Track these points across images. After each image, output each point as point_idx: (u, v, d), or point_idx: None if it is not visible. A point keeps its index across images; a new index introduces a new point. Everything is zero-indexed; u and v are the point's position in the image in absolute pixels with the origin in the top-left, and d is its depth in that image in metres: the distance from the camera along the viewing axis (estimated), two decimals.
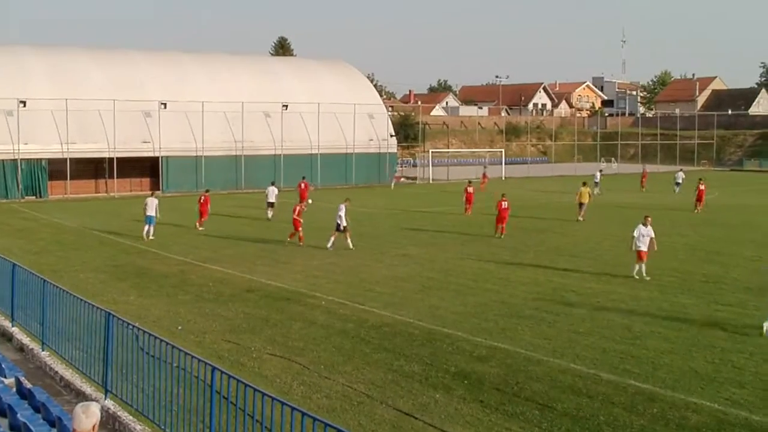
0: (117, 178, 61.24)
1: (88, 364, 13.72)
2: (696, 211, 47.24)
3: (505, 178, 78.42)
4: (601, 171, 65.70)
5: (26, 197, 57.68)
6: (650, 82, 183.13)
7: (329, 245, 31.76)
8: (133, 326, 12.33)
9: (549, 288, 24.19)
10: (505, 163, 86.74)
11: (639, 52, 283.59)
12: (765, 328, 18.39)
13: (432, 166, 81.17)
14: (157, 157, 63.30)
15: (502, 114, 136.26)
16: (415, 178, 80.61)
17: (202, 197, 39.55)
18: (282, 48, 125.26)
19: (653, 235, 25.80)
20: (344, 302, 21.89)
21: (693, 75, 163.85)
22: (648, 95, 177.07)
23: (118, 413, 12.21)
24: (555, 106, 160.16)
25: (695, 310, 21.12)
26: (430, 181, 77.95)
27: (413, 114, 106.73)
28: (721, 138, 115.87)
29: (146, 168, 64.75)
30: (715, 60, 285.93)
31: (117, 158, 60.65)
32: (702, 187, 48.60)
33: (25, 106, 57.00)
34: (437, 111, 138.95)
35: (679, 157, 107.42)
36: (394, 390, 14.51)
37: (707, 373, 15.58)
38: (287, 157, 67.81)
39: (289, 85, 73.28)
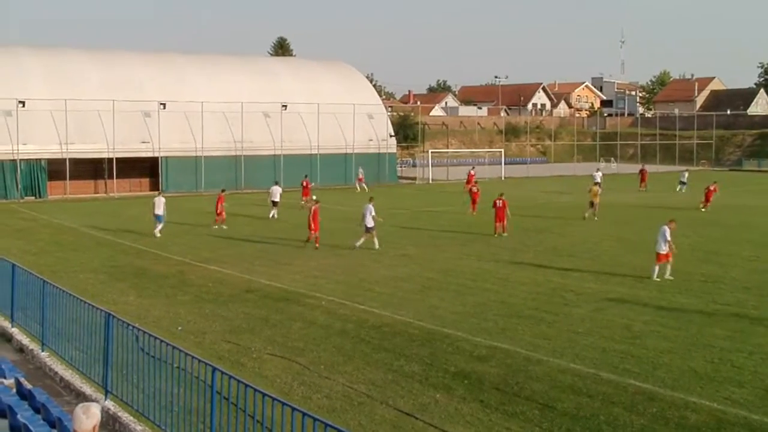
0: (116, 178, 61.27)
1: (88, 364, 13.73)
2: (702, 208, 47.70)
3: (505, 178, 78.39)
4: (598, 170, 65.51)
5: (25, 198, 57.70)
6: (649, 83, 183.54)
7: (358, 244, 31.80)
8: (133, 327, 12.34)
9: (548, 288, 24.19)
10: (505, 164, 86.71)
11: (638, 52, 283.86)
12: None
13: (431, 166, 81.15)
14: (157, 158, 63.34)
15: (502, 114, 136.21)
16: (414, 178, 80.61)
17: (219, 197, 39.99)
18: (281, 48, 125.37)
19: (668, 238, 25.60)
20: (344, 302, 21.89)
21: (692, 75, 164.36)
22: (647, 95, 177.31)
23: (119, 414, 12.22)
24: (554, 106, 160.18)
25: (694, 310, 21.13)
26: (430, 182, 77.97)
27: (412, 114, 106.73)
28: (720, 138, 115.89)
29: (146, 168, 64.80)
30: (713, 60, 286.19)
31: (116, 158, 60.72)
32: (712, 187, 49.26)
33: (24, 106, 57.00)
34: (436, 111, 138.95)
35: (678, 157, 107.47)
36: (394, 390, 14.51)
37: (706, 373, 15.60)
38: (287, 157, 67.87)
39: (288, 85, 73.34)
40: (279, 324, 19.44)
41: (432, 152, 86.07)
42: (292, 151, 68.70)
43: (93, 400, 12.32)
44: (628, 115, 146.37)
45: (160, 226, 36.23)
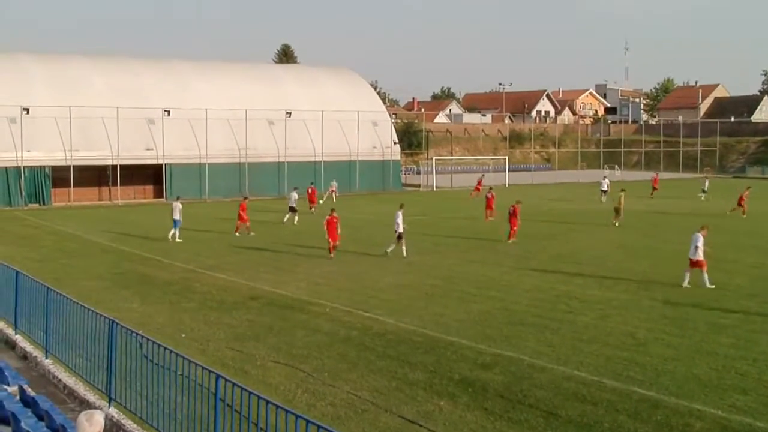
0: (120, 185, 61.33)
1: (92, 371, 13.72)
2: (741, 214, 48.71)
3: (509, 185, 78.36)
4: (605, 177, 65.44)
5: (29, 204, 57.74)
6: (653, 90, 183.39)
7: (388, 250, 31.94)
8: (137, 334, 12.33)
9: (552, 295, 24.16)
10: (509, 170, 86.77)
11: (642, 59, 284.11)
12: None
13: (435, 173, 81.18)
14: (161, 165, 63.38)
15: (506, 121, 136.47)
16: (418, 186, 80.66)
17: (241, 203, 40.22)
18: (285, 55, 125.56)
19: (699, 245, 25.58)
20: (348, 310, 21.87)
21: (696, 82, 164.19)
22: (651, 102, 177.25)
23: (122, 421, 12.21)
24: (558, 113, 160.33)
25: (699, 317, 21.08)
26: (434, 189, 77.98)
27: (417, 121, 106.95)
28: (724, 145, 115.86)
29: (150, 175, 64.83)
30: (717, 67, 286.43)
31: (120, 165, 60.75)
32: (746, 193, 50.07)
33: (28, 113, 57.02)
34: (440, 118, 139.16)
35: (682, 164, 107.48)
36: (398, 397, 14.49)
37: (711, 380, 15.56)
38: (291, 164, 67.93)
39: (292, 92, 73.44)
40: (283, 331, 19.43)
41: (436, 159, 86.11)
42: (296, 158, 68.78)
43: (96, 408, 12.31)
44: (632, 122, 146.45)
45: (174, 231, 37.13)
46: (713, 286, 24.94)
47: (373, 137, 75.19)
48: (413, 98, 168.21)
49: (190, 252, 33.56)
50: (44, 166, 58.73)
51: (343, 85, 78.30)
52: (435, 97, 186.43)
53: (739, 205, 49.64)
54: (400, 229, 31.98)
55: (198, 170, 64.37)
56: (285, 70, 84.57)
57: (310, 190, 53.14)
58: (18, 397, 11.27)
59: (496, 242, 36.15)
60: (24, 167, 57.66)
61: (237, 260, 31.26)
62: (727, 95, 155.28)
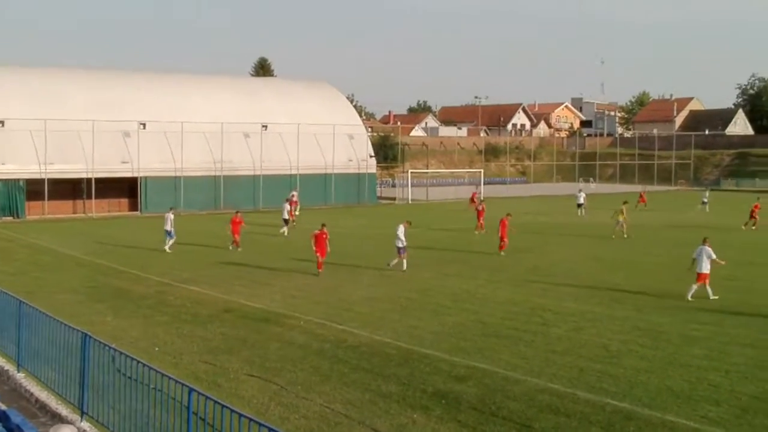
0: (95, 198, 60.91)
1: (65, 385, 13.65)
2: (753, 227, 49.62)
3: (484, 198, 78.49)
4: (581, 191, 65.65)
5: (3, 218, 57.23)
6: (628, 103, 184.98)
7: (391, 264, 32.07)
8: (110, 347, 12.29)
9: (527, 307, 24.27)
10: (484, 183, 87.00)
11: (617, 73, 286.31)
12: None
13: (411, 186, 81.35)
14: (136, 178, 63.08)
15: (482, 134, 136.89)
16: (394, 199, 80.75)
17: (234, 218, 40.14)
18: (262, 68, 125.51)
19: (714, 256, 25.97)
20: (322, 322, 21.86)
21: (671, 96, 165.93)
22: (626, 116, 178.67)
23: None
24: (534, 126, 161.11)
25: (672, 329, 21.24)
26: (409, 201, 78.11)
27: (393, 134, 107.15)
28: (699, 158, 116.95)
29: (125, 188, 64.46)
30: (692, 81, 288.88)
31: (95, 179, 60.38)
32: (757, 205, 50.90)
33: (3, 125, 56.75)
34: (417, 131, 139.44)
35: (657, 176, 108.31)
36: (371, 410, 14.49)
37: (683, 391, 15.68)
38: (266, 177, 67.82)
39: (269, 105, 73.34)
40: (257, 344, 19.39)
41: (412, 172, 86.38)
42: (272, 171, 68.66)
43: (69, 422, 12.27)
44: (608, 135, 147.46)
45: (169, 242, 37.49)
46: (716, 297, 25.55)
47: (349, 150, 75.25)
48: (389, 111, 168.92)
49: (166, 265, 33.43)
50: (18, 179, 58.27)
51: (320, 98, 78.32)
52: (411, 110, 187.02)
53: (752, 217, 50.40)
54: (401, 244, 31.99)
55: (173, 183, 64.09)
56: (262, 84, 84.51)
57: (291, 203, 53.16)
58: None
59: (471, 254, 36.25)
60: None
61: (212, 273, 31.17)
62: (702, 108, 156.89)
